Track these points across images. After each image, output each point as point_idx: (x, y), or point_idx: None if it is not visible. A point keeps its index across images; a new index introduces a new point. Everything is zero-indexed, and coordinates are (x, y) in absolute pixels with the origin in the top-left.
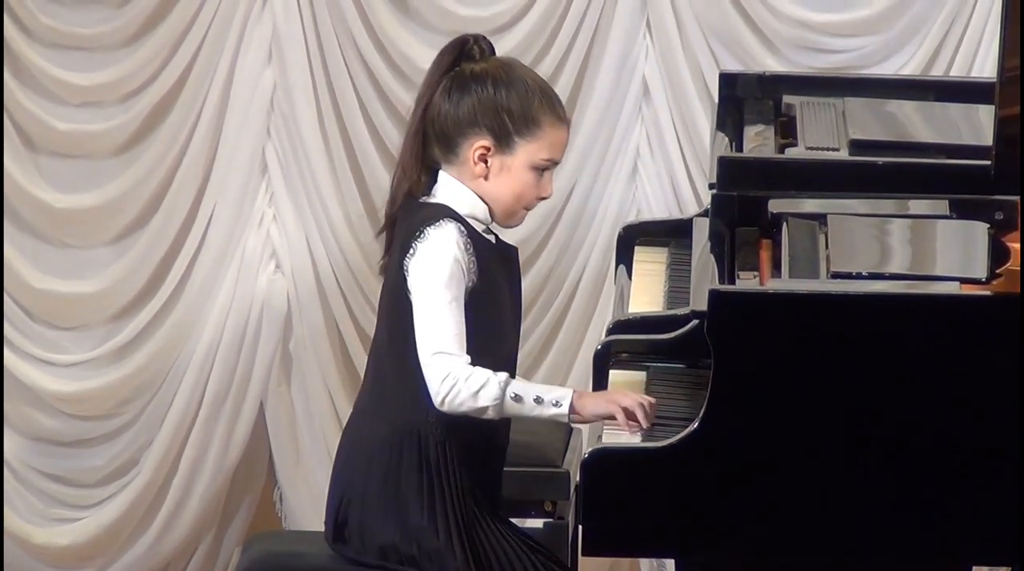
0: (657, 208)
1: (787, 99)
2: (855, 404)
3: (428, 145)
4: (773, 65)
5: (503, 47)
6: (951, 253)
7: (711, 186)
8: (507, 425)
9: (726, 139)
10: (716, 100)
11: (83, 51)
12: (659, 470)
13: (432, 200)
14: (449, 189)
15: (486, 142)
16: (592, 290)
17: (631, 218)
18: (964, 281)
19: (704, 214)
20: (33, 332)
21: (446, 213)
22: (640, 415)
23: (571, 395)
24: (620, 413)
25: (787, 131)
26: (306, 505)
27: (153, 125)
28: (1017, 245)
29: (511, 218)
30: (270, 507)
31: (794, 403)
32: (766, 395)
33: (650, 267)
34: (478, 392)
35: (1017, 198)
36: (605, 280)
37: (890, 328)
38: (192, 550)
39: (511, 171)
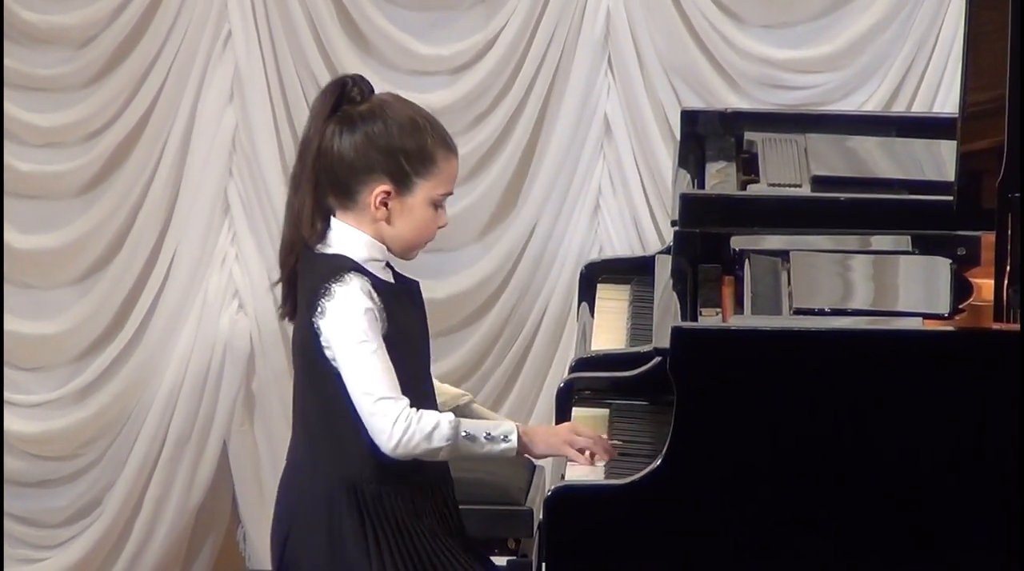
0: (619, 245)
1: (749, 135)
2: (818, 440)
3: (322, 193)
4: (735, 102)
5: (464, 86)
6: (914, 289)
7: (673, 223)
8: (445, 465)
9: (688, 176)
10: (678, 137)
11: (44, 92)
12: (622, 507)
13: (328, 249)
14: (344, 237)
15: (386, 186)
16: (554, 329)
17: (593, 256)
18: (927, 317)
19: (666, 251)
20: None
21: (346, 266)
22: (598, 450)
23: (516, 430)
24: (572, 453)
25: (749, 167)
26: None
27: (115, 165)
28: (979, 281)
29: (410, 253)
30: (234, 547)
31: (757, 440)
32: (729, 432)
33: (612, 304)
34: (431, 433)
35: (979, 233)
36: (567, 319)
37: (853, 364)
38: None
39: (412, 211)
